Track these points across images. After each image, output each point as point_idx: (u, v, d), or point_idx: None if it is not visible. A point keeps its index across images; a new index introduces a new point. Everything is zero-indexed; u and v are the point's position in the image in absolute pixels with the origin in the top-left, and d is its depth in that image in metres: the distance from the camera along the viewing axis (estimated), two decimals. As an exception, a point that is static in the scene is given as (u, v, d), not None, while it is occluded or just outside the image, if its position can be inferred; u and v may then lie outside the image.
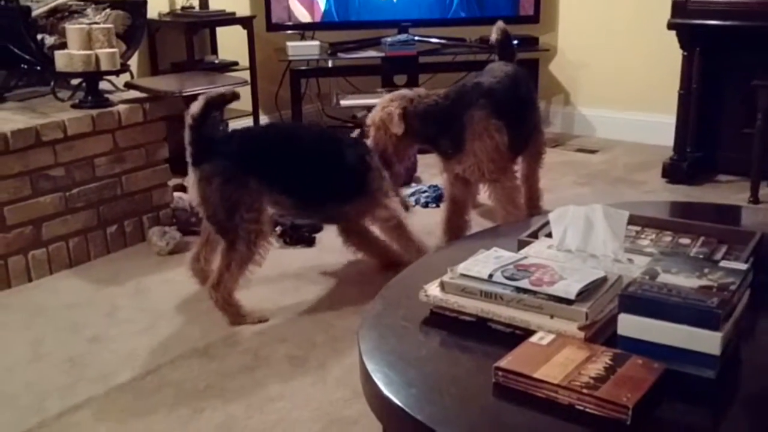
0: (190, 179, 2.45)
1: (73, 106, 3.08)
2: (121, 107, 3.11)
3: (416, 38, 4.35)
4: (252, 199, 2.43)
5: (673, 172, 3.82)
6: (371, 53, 4.38)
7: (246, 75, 4.05)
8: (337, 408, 2.03)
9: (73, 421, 2.00)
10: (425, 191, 3.54)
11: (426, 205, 3.48)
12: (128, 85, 3.29)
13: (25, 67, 3.37)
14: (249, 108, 4.27)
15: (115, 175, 3.08)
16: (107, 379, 2.20)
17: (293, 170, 2.54)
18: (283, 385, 2.15)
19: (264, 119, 4.47)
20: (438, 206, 3.46)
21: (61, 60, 3.02)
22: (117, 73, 3.18)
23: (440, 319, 1.46)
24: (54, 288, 2.79)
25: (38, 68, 3.37)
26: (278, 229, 3.14)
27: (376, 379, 1.26)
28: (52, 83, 3.26)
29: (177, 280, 2.83)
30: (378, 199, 2.67)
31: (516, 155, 3.05)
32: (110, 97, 3.18)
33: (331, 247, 3.09)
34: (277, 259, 2.99)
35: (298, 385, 2.14)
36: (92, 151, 2.99)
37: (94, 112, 3.02)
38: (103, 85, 3.22)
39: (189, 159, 2.44)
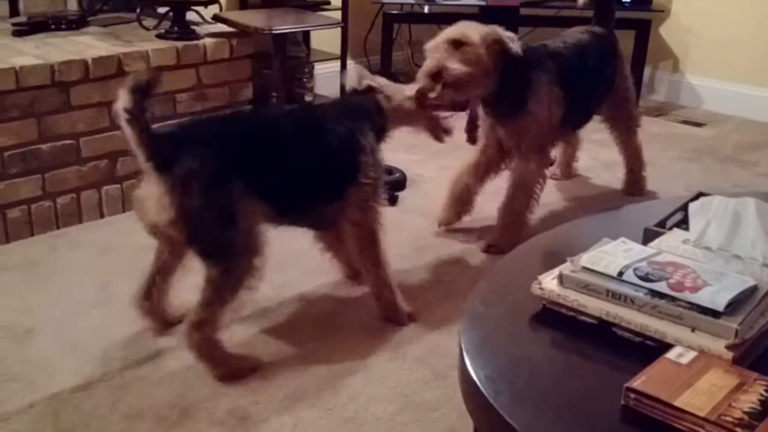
0: (151, 191, 1.79)
1: (159, 36, 2.94)
2: (208, 41, 2.95)
3: (521, -12, 4.05)
4: (242, 207, 1.84)
5: (790, 155, 3.49)
6: (471, 1, 4.10)
7: (337, 15, 3.84)
8: (415, 390, 1.87)
9: (136, 375, 1.88)
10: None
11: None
12: (216, 18, 3.12)
13: (112, -10, 3.25)
14: (337, 51, 4.06)
15: (197, 113, 2.94)
16: (173, 332, 2.07)
17: (279, 169, 1.95)
18: (358, 358, 1.99)
19: (351, 64, 4.26)
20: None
21: (149, -14, 2.88)
22: (206, 3, 3.03)
23: (554, 317, 1.26)
24: (125, 227, 2.68)
25: (125, -7, 3.25)
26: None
27: (482, 387, 1.07)
28: (138, 10, 3.13)
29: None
30: (364, 193, 2.09)
31: (568, 131, 2.78)
32: (197, 29, 3.03)
33: (414, 207, 2.91)
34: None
35: (374, 360, 1.98)
36: (174, 86, 2.85)
37: (180, 44, 2.87)
38: (190, 15, 3.07)
39: (147, 164, 1.78)
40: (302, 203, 2.04)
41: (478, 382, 1.08)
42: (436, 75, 2.26)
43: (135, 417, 1.74)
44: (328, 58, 4.01)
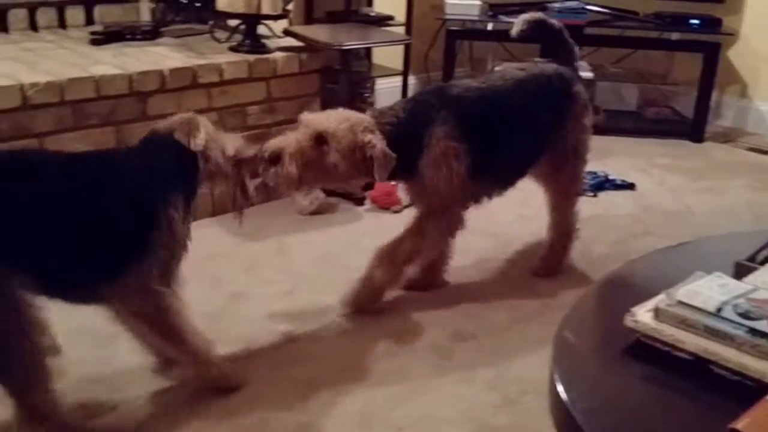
0: None
1: (231, 49, 2.99)
2: (278, 55, 2.99)
3: (587, 6, 4.02)
4: None
5: None
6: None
7: (400, 30, 3.86)
8: (485, 414, 1.86)
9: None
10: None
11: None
12: (287, 33, 3.16)
13: (185, 2, 3.30)
14: (398, 66, 4.09)
15: (266, 125, 2.98)
16: (245, 341, 2.10)
17: (23, 228, 1.52)
18: (428, 378, 1.99)
19: (412, 81, 4.28)
20: (596, 195, 3.19)
21: (223, -1, 2.92)
22: (277, 18, 3.06)
23: (647, 351, 1.24)
24: (196, 235, 2.68)
25: (197, 4, 3.30)
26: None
27: (580, 422, 1.06)
28: (210, 22, 3.18)
29: (318, 242, 2.72)
30: (147, 276, 1.68)
31: (488, 190, 2.34)
32: (267, 43, 3.07)
33: (476, 228, 2.87)
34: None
35: (444, 380, 1.98)
36: (246, 99, 2.90)
37: (251, 57, 2.91)
38: (260, 29, 3.11)
39: None
40: (64, 277, 1.62)
41: (576, 416, 1.07)
42: (274, 159, 1.97)
43: (214, 423, 1.77)
44: (390, 73, 4.02)
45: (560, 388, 1.14)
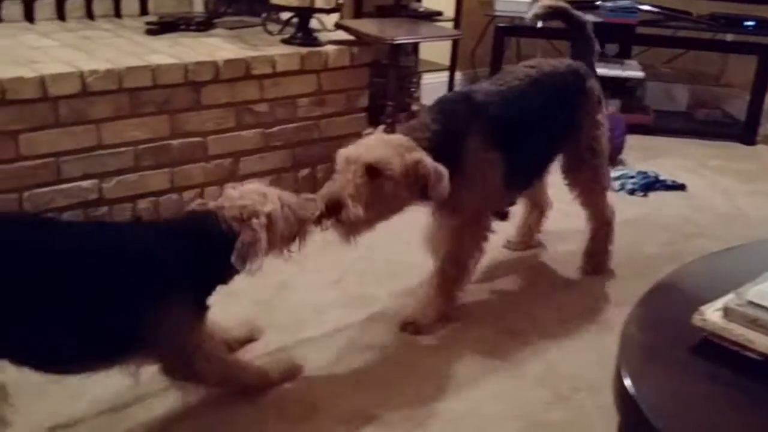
0: None
1: (283, 41, 3.00)
2: (330, 48, 3.00)
3: (639, 6, 3.97)
4: None
5: None
6: (586, 17, 4.04)
7: (448, 26, 3.86)
8: (536, 410, 1.85)
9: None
10: (632, 176, 3.23)
11: (632, 192, 3.17)
12: (339, 26, 3.17)
13: (237, -6, 3.34)
14: (444, 62, 4.08)
15: (315, 117, 2.99)
16: (295, 330, 2.12)
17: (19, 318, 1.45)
18: (476, 372, 1.99)
19: (458, 76, 4.27)
20: (646, 195, 3.16)
21: (278, -8, 2.94)
22: (330, 11, 3.06)
23: (714, 349, 1.22)
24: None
25: (249, -2, 3.34)
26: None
27: (650, 417, 1.05)
28: (263, 15, 3.20)
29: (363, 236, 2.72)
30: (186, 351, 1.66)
31: (513, 194, 2.40)
32: (318, 36, 3.08)
33: (527, 224, 2.88)
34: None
35: (493, 376, 1.97)
36: (296, 91, 2.91)
37: (303, 50, 2.92)
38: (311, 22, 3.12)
39: None
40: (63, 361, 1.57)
41: (644, 411, 1.06)
42: (335, 206, 1.84)
43: (263, 408, 1.80)
44: (437, 68, 4.02)
45: (628, 383, 1.13)
